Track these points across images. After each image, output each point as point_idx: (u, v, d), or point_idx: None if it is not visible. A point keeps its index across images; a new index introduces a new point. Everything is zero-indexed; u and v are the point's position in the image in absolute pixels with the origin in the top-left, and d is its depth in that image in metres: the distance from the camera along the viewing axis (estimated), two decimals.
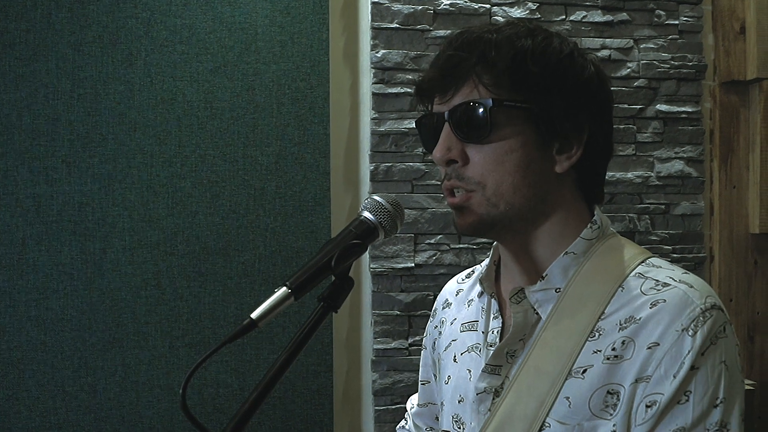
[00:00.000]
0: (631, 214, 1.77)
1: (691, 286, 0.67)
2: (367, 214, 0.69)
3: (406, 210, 1.59)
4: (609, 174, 1.73)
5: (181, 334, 1.58)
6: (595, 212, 0.74)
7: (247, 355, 1.60)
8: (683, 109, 1.80)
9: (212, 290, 1.59)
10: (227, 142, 1.62)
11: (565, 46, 0.71)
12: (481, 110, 0.68)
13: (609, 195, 1.76)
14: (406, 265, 1.67)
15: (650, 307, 0.66)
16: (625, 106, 1.78)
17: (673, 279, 0.68)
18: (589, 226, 0.73)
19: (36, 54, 1.57)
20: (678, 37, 1.80)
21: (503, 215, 0.70)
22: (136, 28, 1.59)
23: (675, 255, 1.79)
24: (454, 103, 0.70)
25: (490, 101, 0.68)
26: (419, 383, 0.94)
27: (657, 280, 0.68)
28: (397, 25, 1.67)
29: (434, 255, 1.67)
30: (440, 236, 1.68)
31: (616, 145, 1.74)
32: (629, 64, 1.78)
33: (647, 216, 1.78)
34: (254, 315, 0.60)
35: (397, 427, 0.99)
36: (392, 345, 1.65)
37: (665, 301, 0.66)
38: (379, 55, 1.66)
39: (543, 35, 0.71)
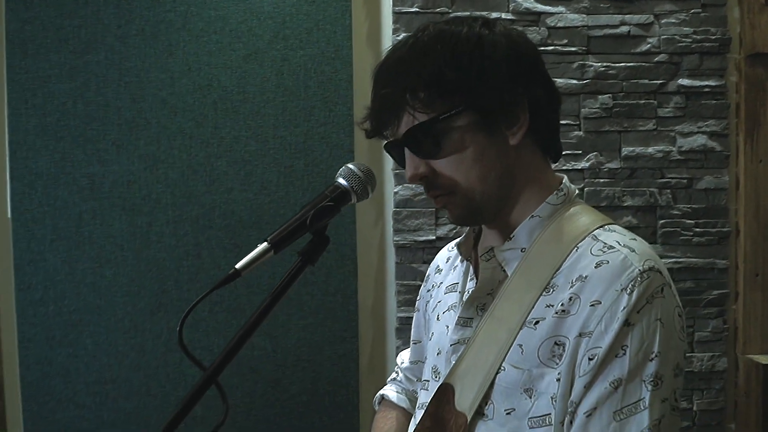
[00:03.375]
0: (652, 189, 2.14)
1: (633, 250, 0.84)
2: (341, 180, 0.90)
3: None
4: (629, 149, 2.12)
5: (219, 300, 2.06)
6: (563, 180, 0.95)
7: (280, 321, 2.06)
8: (706, 83, 2.15)
9: None
10: (259, 123, 2.08)
11: (471, 34, 0.88)
12: (425, 131, 0.87)
13: (629, 170, 2.13)
14: (427, 237, 2.10)
15: (595, 267, 0.83)
16: (646, 81, 2.14)
17: (618, 243, 0.85)
18: (555, 192, 0.92)
19: (87, 47, 2.07)
20: (701, 10, 2.15)
21: (482, 203, 0.90)
22: (174, 21, 2.07)
23: (698, 229, 2.14)
24: (401, 133, 0.90)
25: (429, 121, 0.87)
26: (411, 342, 1.21)
27: (605, 243, 0.86)
28: (417, 9, 2.09)
29: (454, 228, 2.09)
30: None
31: (636, 120, 2.12)
32: (649, 40, 2.14)
33: (669, 191, 2.15)
34: (238, 266, 0.81)
35: (388, 378, 1.30)
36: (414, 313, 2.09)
37: (608, 262, 0.83)
38: (400, 38, 2.08)
39: (450, 34, 0.88)
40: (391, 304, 2.14)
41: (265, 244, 0.83)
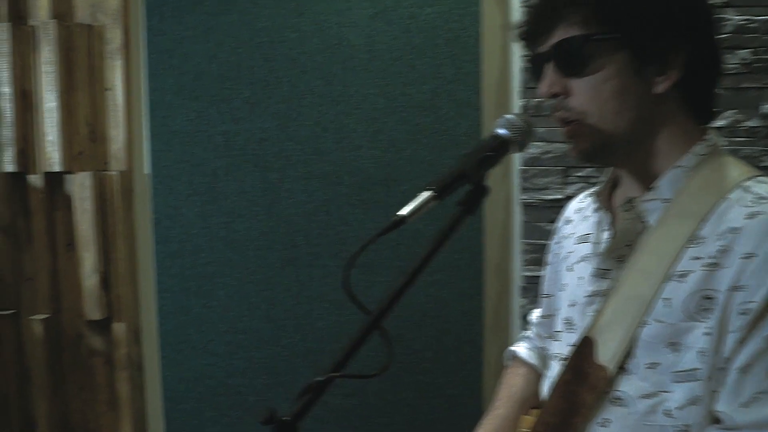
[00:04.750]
0: None
1: None
2: (501, 130, 0.94)
3: (556, 144, 2.15)
4: None
5: (348, 255, 2.25)
6: (710, 132, 0.97)
7: None
8: None
9: (374, 216, 2.24)
10: (387, 81, 2.25)
11: None
12: (575, 46, 0.91)
13: None
14: (555, 196, 2.22)
15: (748, 219, 0.85)
16: None
17: None
18: (701, 143, 0.95)
19: (221, 8, 2.28)
20: None
21: (609, 140, 0.93)
22: None
23: None
24: (551, 43, 0.94)
25: (582, 37, 0.90)
26: (542, 297, 1.28)
27: (758, 194, 0.87)
28: None
29: (583, 187, 2.21)
30: (589, 169, 2.21)
31: None
32: None
33: None
34: (404, 212, 0.84)
35: (519, 335, 1.39)
36: (540, 273, 2.22)
37: (763, 213, 0.84)
38: None
39: None
40: (517, 262, 2.27)
41: (429, 192, 0.86)
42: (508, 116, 0.96)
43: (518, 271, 2.26)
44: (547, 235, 2.20)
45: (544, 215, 2.23)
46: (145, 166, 2.34)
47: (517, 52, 2.25)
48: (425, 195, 0.86)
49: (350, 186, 2.26)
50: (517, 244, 2.27)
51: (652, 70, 0.92)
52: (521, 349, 1.33)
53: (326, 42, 2.26)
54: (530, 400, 1.25)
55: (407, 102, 2.24)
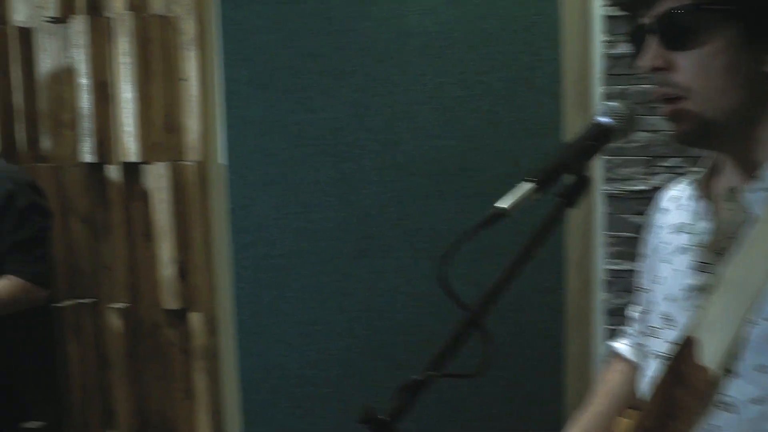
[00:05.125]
0: None
1: None
2: (602, 117, 0.91)
3: (640, 133, 2.09)
4: None
5: (422, 247, 2.25)
6: None
7: (487, 270, 2.22)
8: None
9: (449, 207, 2.23)
10: (462, 69, 2.23)
11: None
12: (681, 17, 0.87)
13: None
14: (639, 187, 2.17)
15: None
16: None
17: None
18: None
19: None
20: None
21: (713, 120, 0.89)
22: None
23: None
24: (657, 13, 0.89)
25: (690, 6, 0.86)
26: (640, 291, 1.22)
27: None
28: None
29: (669, 178, 2.15)
30: (676, 159, 2.15)
31: None
32: None
33: None
34: (506, 205, 0.82)
35: (620, 330, 1.35)
36: (625, 266, 2.18)
37: None
38: None
39: None
40: (599, 255, 2.23)
41: (529, 183, 0.84)
42: (611, 103, 0.93)
43: (601, 265, 2.23)
44: (632, 227, 2.16)
45: (629, 206, 2.18)
46: (220, 156, 2.38)
47: (599, 38, 2.20)
48: (526, 186, 0.84)
49: (424, 176, 2.25)
50: (600, 236, 2.23)
51: (764, 47, 0.87)
52: (621, 345, 1.30)
53: (400, 30, 2.25)
54: (628, 398, 1.22)
55: (484, 90, 2.22)
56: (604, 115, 0.92)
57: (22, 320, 2.28)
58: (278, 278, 2.35)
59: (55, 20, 2.48)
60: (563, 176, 0.87)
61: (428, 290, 2.25)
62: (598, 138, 0.91)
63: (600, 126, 0.92)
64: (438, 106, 2.24)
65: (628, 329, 1.33)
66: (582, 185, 0.88)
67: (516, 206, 0.83)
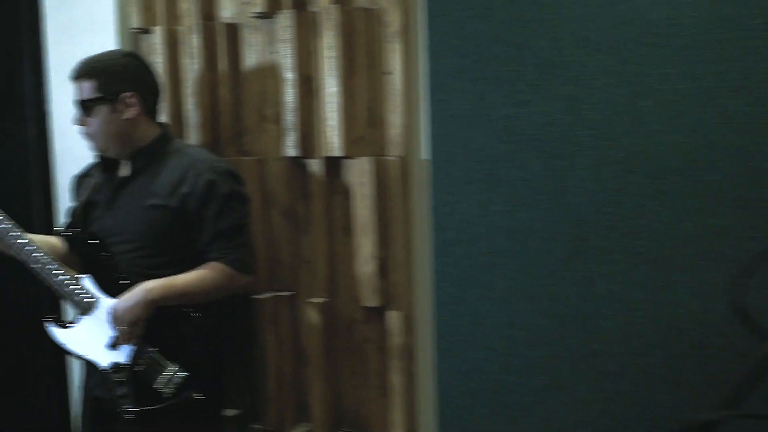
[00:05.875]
0: None
1: None
2: None
3: None
4: None
5: (641, 251, 2.16)
6: None
7: (710, 278, 2.10)
8: None
9: (672, 209, 2.12)
10: (690, 59, 2.11)
11: None
12: None
13: None
14: None
15: None
16: None
17: None
18: None
19: None
20: None
21: None
22: None
23: None
24: None
25: None
26: None
27: None
28: None
29: None
30: None
31: None
32: None
33: None
34: None
35: None
36: None
37: None
38: None
39: None
40: None
41: None
42: None
43: None
44: None
45: None
46: (423, 151, 2.40)
47: None
48: None
49: (645, 175, 2.16)
50: None
51: None
52: None
53: (620, 16, 2.16)
54: None
55: (714, 82, 2.09)
56: None
57: (225, 309, 2.40)
58: (481, 278, 2.33)
59: (261, 16, 2.59)
60: None
61: (645, 298, 2.15)
62: None
63: None
64: (661, 100, 2.14)
65: None
66: None
67: None
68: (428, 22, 2.35)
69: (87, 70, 2.29)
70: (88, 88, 2.26)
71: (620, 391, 2.22)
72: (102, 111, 2.27)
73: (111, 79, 2.28)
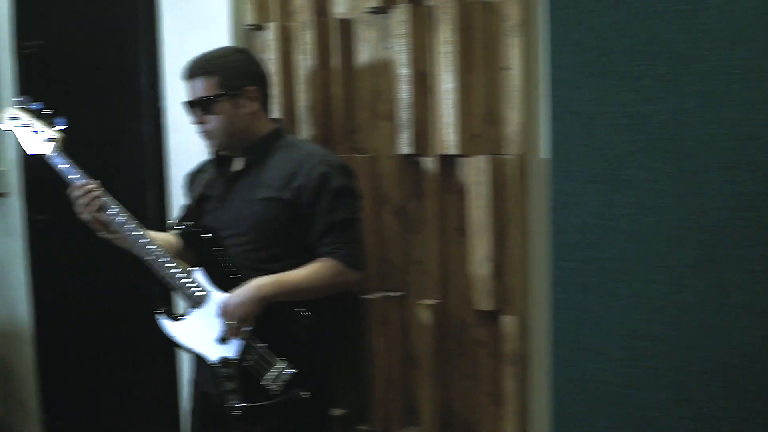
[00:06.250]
0: None
1: None
2: None
3: None
4: None
5: None
6: None
7: None
8: None
9: None
10: None
11: None
12: None
13: None
14: None
15: None
16: None
17: None
18: None
19: None
20: None
21: None
22: None
23: None
24: None
25: None
26: None
27: None
28: None
29: None
30: None
31: None
32: None
33: None
34: None
35: None
36: None
37: None
38: None
39: None
40: None
41: None
42: None
43: None
44: None
45: None
46: (542, 149, 2.32)
47: None
48: None
49: None
50: None
51: None
52: None
53: (761, 7, 2.02)
54: None
55: None
56: None
57: (333, 307, 2.39)
58: (603, 284, 2.22)
59: (376, 11, 2.57)
60: None
61: None
62: None
63: None
64: None
65: None
66: None
67: None
68: (549, 14, 2.25)
69: (205, 68, 2.31)
70: (208, 85, 2.29)
71: (753, 410, 2.07)
72: (224, 107, 2.29)
73: (232, 75, 2.30)
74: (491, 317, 2.41)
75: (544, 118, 2.29)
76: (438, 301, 2.50)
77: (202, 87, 2.29)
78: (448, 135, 2.39)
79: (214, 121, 2.30)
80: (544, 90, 2.28)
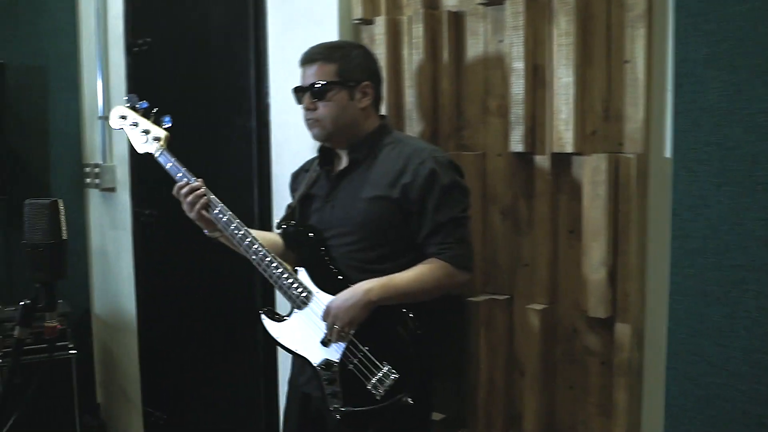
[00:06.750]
0: None
1: None
2: None
3: None
4: None
5: None
6: None
7: None
8: None
9: None
10: None
11: None
12: None
13: None
14: None
15: None
16: None
17: None
18: None
19: None
20: None
21: None
22: None
23: None
24: None
25: None
26: None
27: None
28: None
29: None
30: None
31: None
32: None
33: None
34: None
35: None
36: None
37: None
38: None
39: None
40: None
41: None
42: None
43: None
44: None
45: None
46: (666, 148, 2.19)
47: None
48: None
49: None
50: None
51: None
52: None
53: None
54: None
55: None
56: None
57: (438, 310, 2.33)
58: (729, 294, 2.08)
59: (488, 3, 2.50)
60: None
61: None
62: None
63: None
64: None
65: None
66: None
67: None
68: (677, 3, 2.13)
69: (326, 54, 2.30)
70: (326, 71, 2.27)
71: None
72: (339, 96, 2.28)
73: (350, 66, 2.28)
74: (604, 325, 2.29)
75: (668, 114, 2.16)
76: (547, 305, 2.40)
77: (319, 72, 2.27)
78: (563, 132, 2.28)
79: (324, 108, 2.28)
80: (669, 84, 2.15)
